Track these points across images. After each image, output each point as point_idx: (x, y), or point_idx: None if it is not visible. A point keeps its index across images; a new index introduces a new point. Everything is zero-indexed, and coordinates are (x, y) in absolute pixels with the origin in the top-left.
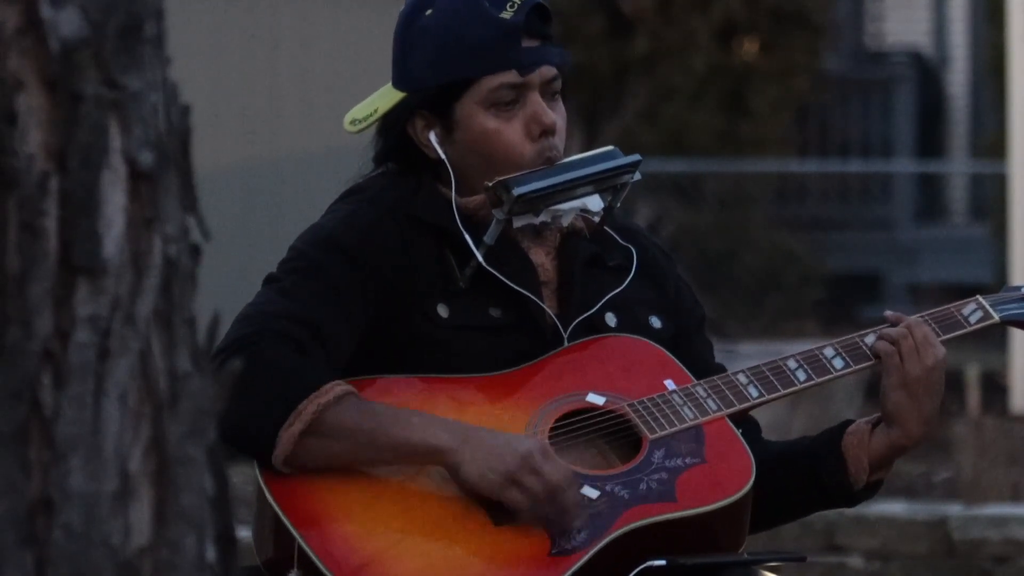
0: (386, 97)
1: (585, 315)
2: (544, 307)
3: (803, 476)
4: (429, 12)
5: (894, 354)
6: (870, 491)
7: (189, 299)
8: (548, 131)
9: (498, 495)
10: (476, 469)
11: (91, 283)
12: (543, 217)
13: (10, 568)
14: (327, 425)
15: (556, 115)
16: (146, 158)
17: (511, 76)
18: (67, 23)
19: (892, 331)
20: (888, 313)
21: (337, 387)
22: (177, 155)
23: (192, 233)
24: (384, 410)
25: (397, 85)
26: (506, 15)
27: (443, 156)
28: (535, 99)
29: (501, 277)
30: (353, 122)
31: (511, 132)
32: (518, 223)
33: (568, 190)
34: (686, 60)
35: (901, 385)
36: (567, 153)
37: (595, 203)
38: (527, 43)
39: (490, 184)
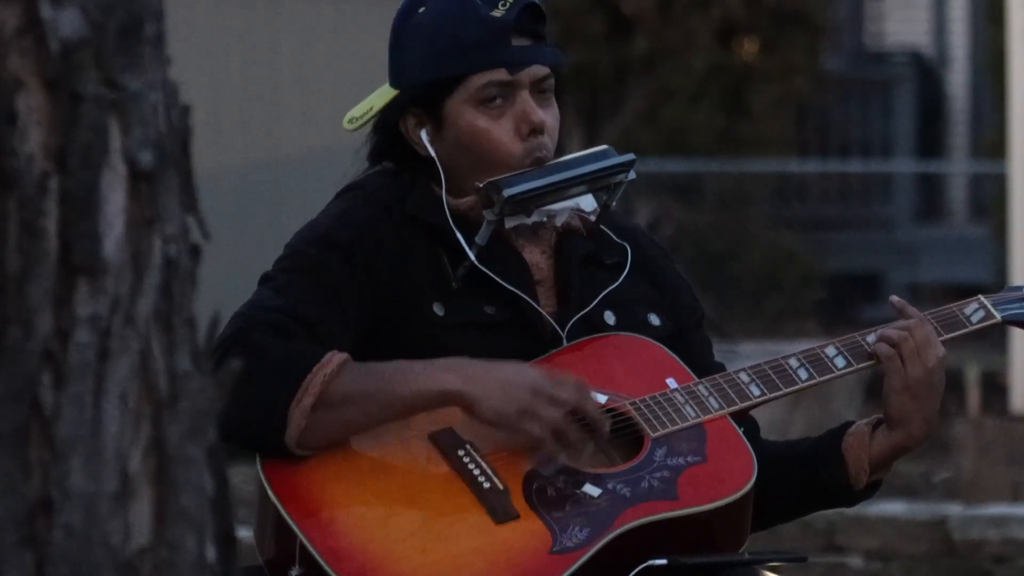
0: (383, 95)
1: (581, 313)
2: (535, 306)
3: (803, 477)
4: (423, 10)
5: (895, 357)
6: (870, 491)
7: (189, 299)
8: (537, 130)
9: (516, 429)
10: (491, 406)
11: (91, 283)
12: (536, 217)
13: (10, 568)
14: (335, 394)
15: (547, 114)
16: (146, 158)
17: (500, 74)
18: (67, 23)
19: (892, 333)
20: (893, 298)
21: (336, 355)
22: (177, 155)
23: (192, 233)
24: (386, 367)
25: (392, 83)
26: (497, 13)
27: (433, 154)
28: (524, 98)
29: (493, 276)
30: (351, 120)
31: (500, 131)
32: (510, 223)
33: (560, 190)
34: (686, 60)
35: (904, 388)
36: (565, 152)
37: (588, 203)
38: (518, 42)
39: (481, 185)
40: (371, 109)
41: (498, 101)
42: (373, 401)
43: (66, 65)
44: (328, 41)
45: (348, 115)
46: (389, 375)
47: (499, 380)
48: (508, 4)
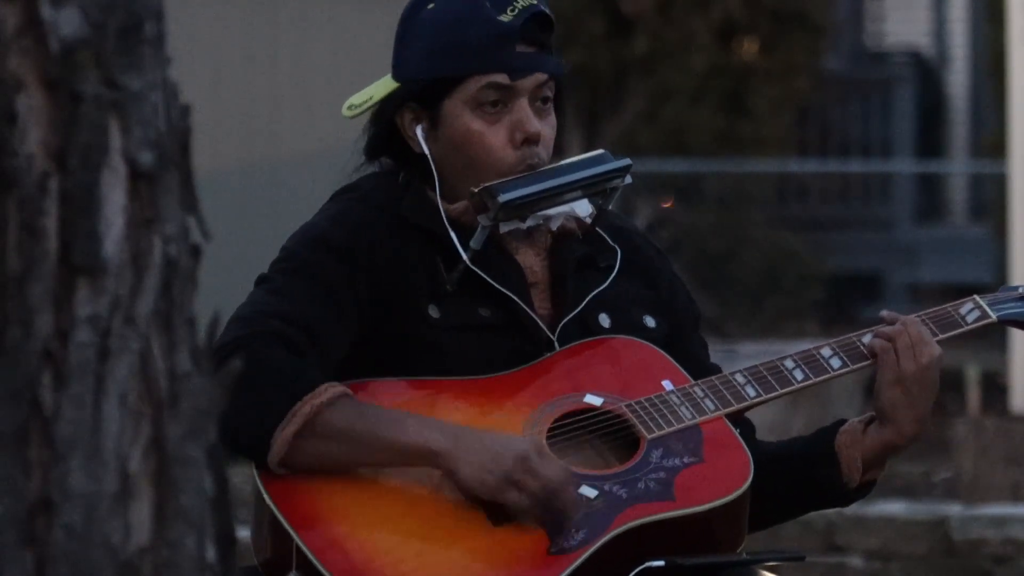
0: (384, 86)
1: (572, 315)
2: (526, 309)
3: (797, 476)
4: (431, 6)
5: (890, 350)
6: (864, 490)
7: (189, 299)
8: (531, 139)
9: (497, 497)
10: (473, 472)
11: (91, 283)
12: (530, 222)
13: (10, 568)
14: (322, 426)
15: (544, 124)
16: (146, 158)
17: (500, 78)
18: (67, 23)
19: (888, 328)
20: (884, 313)
21: (332, 388)
22: (177, 155)
23: (192, 233)
24: (379, 412)
25: (393, 75)
26: (505, 18)
27: (427, 151)
28: (522, 105)
29: (487, 279)
30: (350, 107)
31: (494, 136)
32: (505, 228)
33: (555, 196)
34: (686, 60)
35: (896, 382)
36: (565, 152)
37: (583, 208)
38: (521, 48)
39: (475, 190)
40: (371, 98)
41: (496, 106)
42: (356, 442)
43: (66, 65)
44: (328, 41)
45: (348, 101)
46: (378, 420)
47: (486, 449)
48: (517, 10)
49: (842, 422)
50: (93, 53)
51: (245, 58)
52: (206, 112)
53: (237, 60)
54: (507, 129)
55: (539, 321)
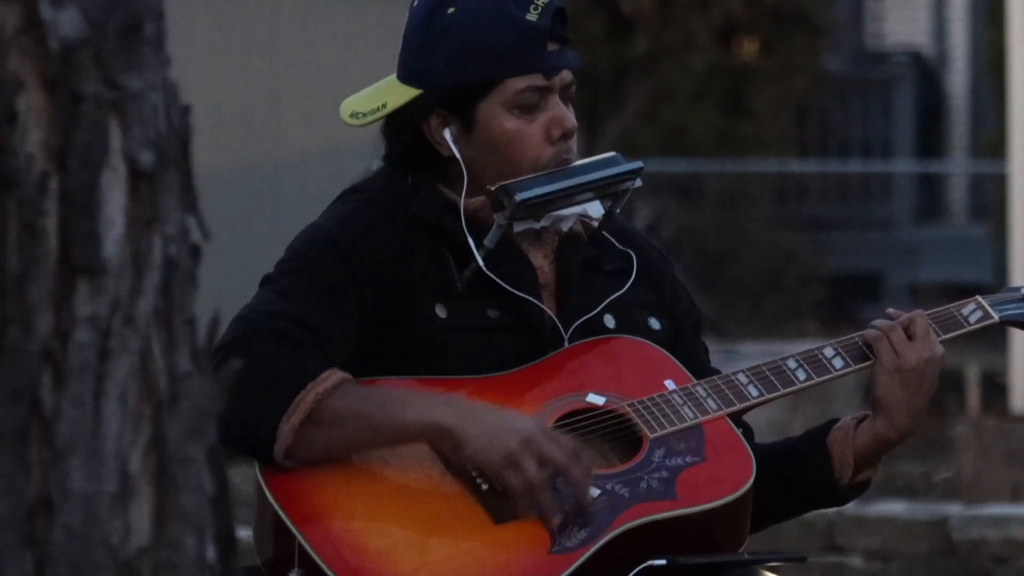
0: (393, 92)
1: (585, 317)
2: (545, 309)
3: (790, 475)
4: (452, 10)
5: (883, 339)
6: (857, 490)
7: (189, 299)
8: (568, 135)
9: (496, 476)
10: (476, 450)
11: (91, 283)
12: (544, 222)
13: (10, 568)
14: (327, 413)
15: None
16: (146, 158)
17: (537, 79)
18: (67, 23)
19: (882, 322)
20: (891, 311)
21: (334, 375)
22: (177, 155)
23: (192, 233)
24: (382, 393)
25: (409, 81)
26: (531, 17)
27: (457, 155)
28: (557, 102)
29: (501, 283)
30: (354, 115)
31: (531, 134)
32: (519, 227)
33: (569, 196)
34: (686, 60)
35: (894, 370)
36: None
37: (596, 209)
38: (551, 47)
39: (492, 188)
40: (383, 106)
41: (532, 105)
42: (363, 425)
43: (66, 65)
44: (328, 41)
45: (349, 108)
46: (383, 401)
47: (492, 424)
48: (540, 8)
49: (835, 421)
50: (93, 53)
51: (245, 58)
52: (206, 112)
53: (237, 60)
54: (543, 126)
55: (557, 322)
